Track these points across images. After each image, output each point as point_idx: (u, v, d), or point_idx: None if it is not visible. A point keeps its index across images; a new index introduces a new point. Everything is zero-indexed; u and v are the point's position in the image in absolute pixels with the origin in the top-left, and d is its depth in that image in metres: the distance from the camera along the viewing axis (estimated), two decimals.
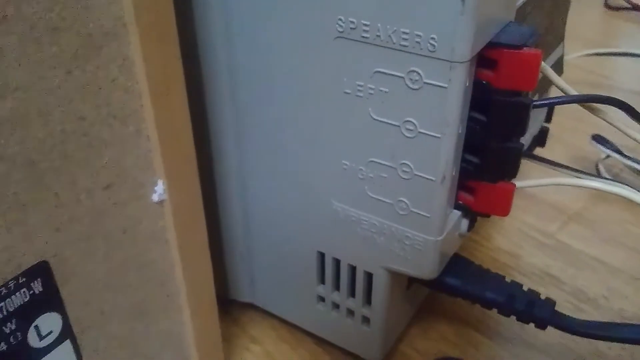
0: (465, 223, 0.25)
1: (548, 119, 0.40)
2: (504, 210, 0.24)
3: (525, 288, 0.28)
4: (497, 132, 0.22)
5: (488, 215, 0.25)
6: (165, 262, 0.23)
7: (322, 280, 0.29)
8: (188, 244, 0.23)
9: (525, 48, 0.21)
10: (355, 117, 0.23)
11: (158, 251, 0.23)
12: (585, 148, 0.50)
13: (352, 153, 0.24)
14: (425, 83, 0.21)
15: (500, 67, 0.21)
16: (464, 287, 0.28)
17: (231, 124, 0.27)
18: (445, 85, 0.20)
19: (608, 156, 0.46)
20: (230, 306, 0.35)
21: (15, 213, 0.17)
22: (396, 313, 0.29)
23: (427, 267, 0.24)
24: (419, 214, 0.23)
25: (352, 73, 0.22)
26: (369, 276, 0.27)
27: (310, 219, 0.27)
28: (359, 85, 0.22)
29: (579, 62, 0.56)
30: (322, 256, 0.28)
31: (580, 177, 0.33)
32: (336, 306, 0.29)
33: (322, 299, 0.29)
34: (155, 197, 0.22)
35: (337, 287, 0.28)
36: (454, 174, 0.23)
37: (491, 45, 0.21)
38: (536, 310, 0.27)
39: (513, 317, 0.28)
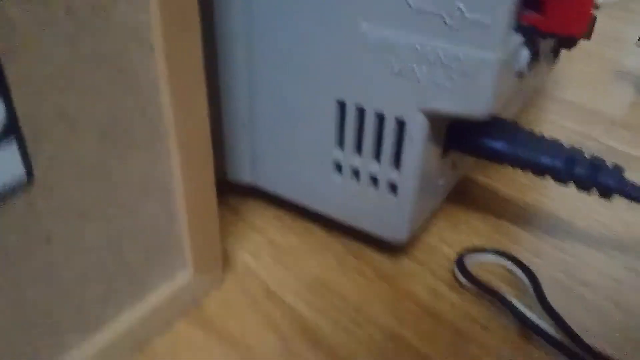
0: (526, 54, 0.20)
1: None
2: (580, 26, 0.19)
3: (587, 155, 0.23)
4: None
5: (557, 36, 0.20)
6: (146, 71, 0.18)
7: (341, 142, 0.24)
8: (177, 50, 0.18)
9: None
10: None
11: (138, 53, 0.18)
12: (621, 59, 0.45)
13: None
14: None
15: None
16: (515, 151, 0.23)
17: None
18: None
19: None
20: (227, 196, 0.30)
21: None
22: (427, 183, 0.24)
23: (480, 99, 0.19)
24: (476, 21, 0.18)
25: None
26: (400, 126, 0.22)
27: (331, 52, 0.22)
28: None
29: None
30: (342, 107, 0.23)
31: None
32: (356, 174, 0.24)
33: (339, 167, 0.25)
34: None
35: (358, 148, 0.24)
36: None
37: None
38: (601, 176, 0.22)
39: (571, 187, 0.24)
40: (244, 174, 0.28)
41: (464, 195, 0.31)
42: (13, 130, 0.15)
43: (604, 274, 0.26)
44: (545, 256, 0.27)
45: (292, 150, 0.25)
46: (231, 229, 0.28)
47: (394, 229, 0.24)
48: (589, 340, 0.22)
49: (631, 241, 0.28)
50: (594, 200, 0.31)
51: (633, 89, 0.41)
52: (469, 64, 0.19)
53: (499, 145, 0.23)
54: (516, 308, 0.23)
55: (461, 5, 0.18)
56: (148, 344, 0.23)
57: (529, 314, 0.23)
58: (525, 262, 0.26)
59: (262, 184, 0.28)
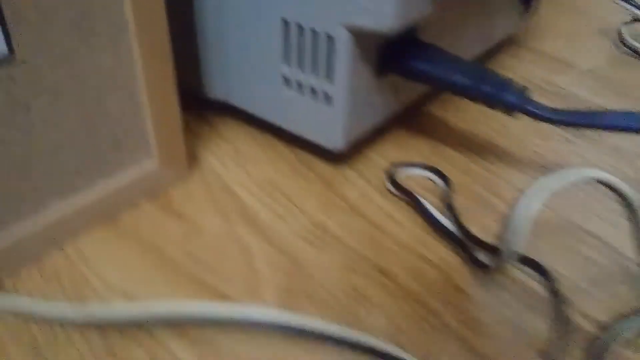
0: None
1: None
2: None
3: (503, 78, 0.26)
4: None
5: None
6: None
7: (287, 58, 0.28)
8: None
9: None
10: None
11: None
12: (605, 16, 0.46)
13: None
14: None
15: None
16: (433, 70, 0.26)
17: None
18: None
19: (634, 20, 0.43)
20: (206, 111, 0.35)
21: None
22: (362, 98, 0.27)
23: (386, 14, 0.23)
24: None
25: None
26: (330, 42, 0.25)
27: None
28: None
29: None
30: (286, 25, 0.27)
31: None
32: (300, 87, 0.28)
33: (287, 81, 0.28)
34: None
35: (301, 63, 0.27)
36: None
37: None
38: (505, 94, 0.25)
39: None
40: (217, 90, 0.32)
41: (415, 123, 0.34)
42: None
43: (520, 191, 0.29)
44: (473, 174, 0.30)
45: (251, 66, 0.29)
46: (204, 138, 0.33)
47: (332, 138, 0.28)
48: (489, 239, 0.25)
49: (556, 166, 0.31)
50: (535, 134, 0.33)
51: (611, 44, 0.43)
52: None
53: (421, 65, 0.26)
54: (426, 209, 0.27)
55: None
56: (116, 216, 0.27)
57: (437, 215, 0.26)
58: (450, 177, 0.29)
59: (230, 99, 0.32)
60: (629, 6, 0.40)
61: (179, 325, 0.22)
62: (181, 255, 0.26)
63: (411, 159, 0.31)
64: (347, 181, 0.30)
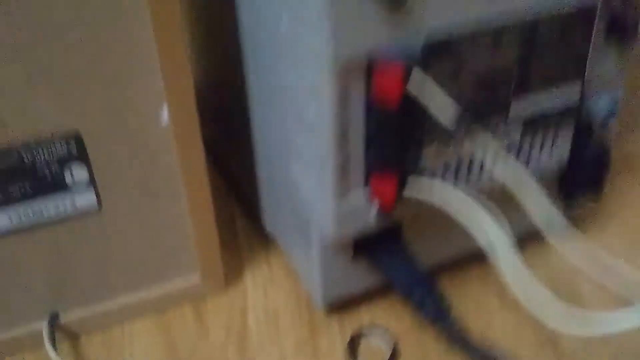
0: (373, 211, 0.30)
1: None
2: (386, 200, 0.28)
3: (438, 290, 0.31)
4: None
5: (386, 212, 0.29)
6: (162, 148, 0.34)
7: None
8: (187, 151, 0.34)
9: None
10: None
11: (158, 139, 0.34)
12: None
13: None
14: None
15: None
16: (378, 266, 0.32)
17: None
18: None
19: None
20: (265, 239, 0.44)
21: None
22: (337, 270, 0.34)
23: (328, 226, 0.30)
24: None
25: None
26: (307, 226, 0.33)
27: (283, 185, 0.35)
28: None
29: None
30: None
31: None
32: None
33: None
34: (162, 121, 0.33)
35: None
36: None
37: None
38: (427, 306, 0.30)
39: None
40: (268, 226, 0.42)
41: None
42: (92, 182, 0.33)
43: None
44: (432, 355, 0.34)
45: (285, 223, 0.39)
46: (254, 259, 0.43)
47: (315, 294, 0.36)
48: None
49: None
50: None
51: None
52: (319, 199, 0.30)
53: (372, 258, 0.33)
54: None
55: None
56: (161, 311, 0.39)
57: None
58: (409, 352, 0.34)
59: (276, 238, 0.42)
60: None
61: None
62: (184, 352, 0.36)
63: (389, 322, 0.36)
64: (328, 331, 0.37)
